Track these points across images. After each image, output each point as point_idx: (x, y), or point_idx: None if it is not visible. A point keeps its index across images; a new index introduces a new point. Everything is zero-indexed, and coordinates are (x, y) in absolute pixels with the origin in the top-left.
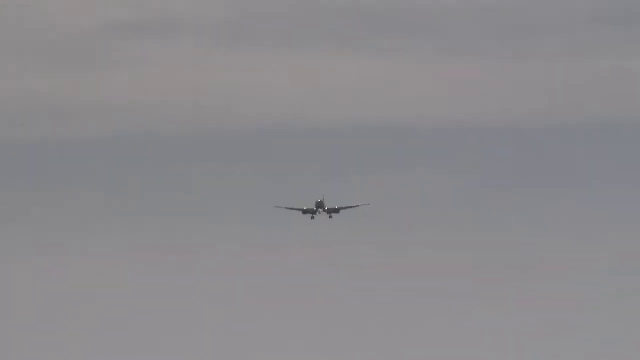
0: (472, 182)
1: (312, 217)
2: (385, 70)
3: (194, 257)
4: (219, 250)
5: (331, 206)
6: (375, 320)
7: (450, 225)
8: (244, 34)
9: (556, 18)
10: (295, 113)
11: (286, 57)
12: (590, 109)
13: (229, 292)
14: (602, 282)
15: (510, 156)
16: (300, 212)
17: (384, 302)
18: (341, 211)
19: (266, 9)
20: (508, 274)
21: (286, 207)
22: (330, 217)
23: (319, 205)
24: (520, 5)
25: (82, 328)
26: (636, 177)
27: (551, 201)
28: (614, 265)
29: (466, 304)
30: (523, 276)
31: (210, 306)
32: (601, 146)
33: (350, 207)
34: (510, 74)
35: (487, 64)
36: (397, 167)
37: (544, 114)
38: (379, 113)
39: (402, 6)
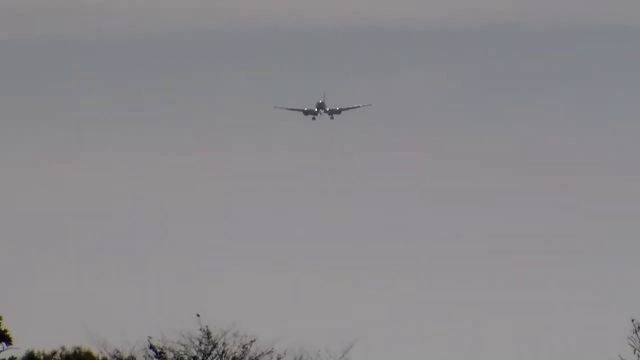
0: (472, 82)
1: (314, 118)
2: None
3: (191, 158)
4: (215, 150)
5: (332, 107)
6: (375, 225)
7: (452, 125)
8: None
9: None
10: (294, 15)
11: None
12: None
13: (224, 195)
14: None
15: (514, 57)
16: (302, 112)
17: (386, 206)
18: (342, 112)
19: None
20: (505, 172)
21: (286, 108)
22: (331, 117)
23: (320, 106)
24: None
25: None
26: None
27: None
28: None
29: (469, 207)
30: (521, 174)
31: (206, 207)
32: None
33: (352, 107)
34: None
35: None
36: (396, 68)
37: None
38: (377, 14)
39: None
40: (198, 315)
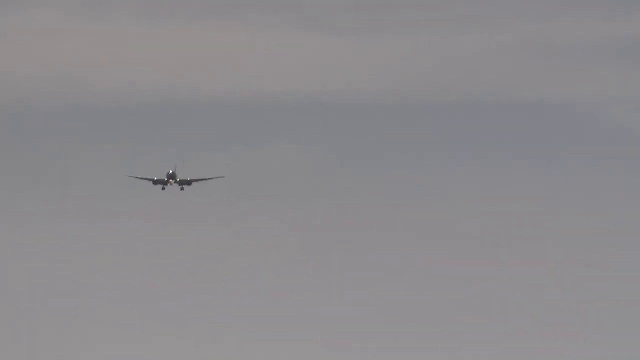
0: (322, 155)
1: (163, 188)
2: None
3: (35, 227)
4: (61, 219)
5: (183, 177)
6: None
7: (304, 197)
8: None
9: None
10: (152, 87)
11: (144, 28)
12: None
13: (70, 264)
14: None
15: (359, 130)
16: (151, 182)
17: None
18: (193, 183)
19: None
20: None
21: (137, 177)
22: (182, 188)
23: (171, 176)
24: None
25: None
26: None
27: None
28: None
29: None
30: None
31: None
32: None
33: (203, 179)
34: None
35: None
36: (248, 142)
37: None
38: (231, 87)
39: None
40: None
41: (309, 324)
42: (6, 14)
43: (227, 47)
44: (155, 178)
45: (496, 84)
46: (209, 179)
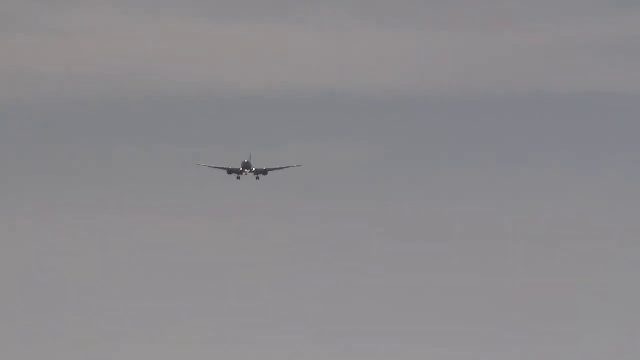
0: (397, 151)
1: (238, 178)
2: (308, 39)
3: (116, 219)
4: (132, 212)
5: (259, 167)
6: (297, 293)
7: (376, 192)
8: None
9: None
10: (221, 80)
11: (206, 26)
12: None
13: (147, 256)
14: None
15: (432, 126)
16: (225, 171)
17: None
18: (269, 172)
19: None
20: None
21: (209, 166)
22: (257, 178)
23: (246, 165)
24: None
25: None
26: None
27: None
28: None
29: (390, 271)
30: (441, 246)
31: (127, 270)
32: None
33: (279, 168)
34: (431, 44)
35: (408, 32)
36: (326, 134)
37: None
38: (307, 80)
39: None
40: None
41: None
42: (67, 11)
43: (295, 42)
44: (230, 167)
45: (541, 80)
46: (285, 167)
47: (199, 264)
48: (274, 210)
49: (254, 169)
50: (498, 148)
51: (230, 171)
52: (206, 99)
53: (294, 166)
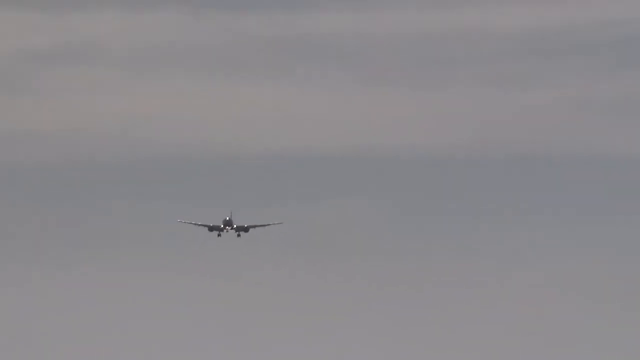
0: (383, 209)
1: (219, 235)
2: (302, 99)
3: (97, 275)
4: (114, 268)
5: (240, 224)
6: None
7: (361, 249)
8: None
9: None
10: (205, 139)
11: (203, 85)
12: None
13: (127, 310)
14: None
15: (422, 185)
16: (207, 228)
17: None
18: (251, 230)
19: (176, 38)
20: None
21: (191, 223)
22: (238, 235)
23: (227, 223)
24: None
25: None
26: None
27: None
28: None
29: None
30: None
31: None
32: (520, 178)
33: (261, 225)
34: (430, 105)
35: (405, 93)
36: (309, 196)
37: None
38: (290, 141)
39: (317, 33)
40: None
41: None
42: (69, 69)
43: (279, 103)
44: (211, 224)
45: (558, 138)
46: (267, 225)
47: (179, 319)
48: (255, 267)
49: (235, 226)
50: (494, 208)
51: (211, 228)
52: (190, 158)
53: (275, 224)
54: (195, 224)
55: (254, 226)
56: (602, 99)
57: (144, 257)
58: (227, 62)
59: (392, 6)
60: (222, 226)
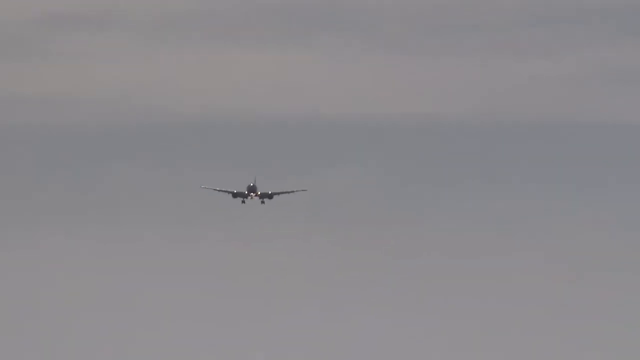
0: (402, 177)
1: (243, 202)
2: (313, 67)
3: (119, 239)
4: (138, 235)
5: (264, 191)
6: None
7: (384, 218)
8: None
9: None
10: (229, 105)
11: (219, 52)
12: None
13: (151, 278)
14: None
15: (437, 154)
16: (230, 195)
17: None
18: (275, 197)
19: (194, 6)
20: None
21: (214, 189)
22: (262, 202)
23: (251, 189)
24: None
25: None
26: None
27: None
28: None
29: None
30: (445, 272)
31: (129, 290)
32: (525, 145)
33: (285, 192)
34: (438, 72)
35: (414, 61)
36: (328, 161)
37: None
38: (310, 107)
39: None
40: None
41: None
42: (73, 38)
43: (297, 69)
44: (235, 191)
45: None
46: (291, 192)
47: (203, 287)
48: (279, 234)
49: (259, 192)
50: (493, 175)
51: (235, 195)
52: (213, 123)
53: (300, 191)
54: (219, 190)
55: (278, 193)
56: (609, 68)
57: (166, 223)
58: (243, 28)
59: None
60: (246, 192)
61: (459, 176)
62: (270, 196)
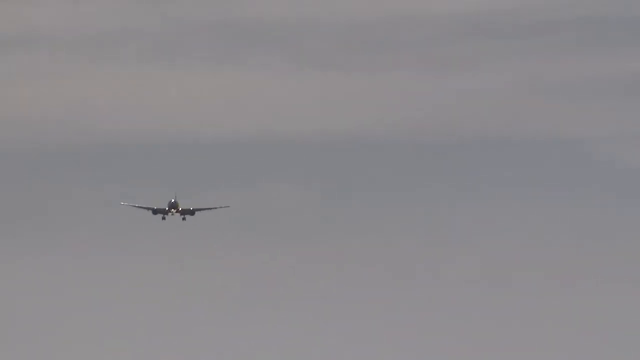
0: (323, 194)
1: (164, 218)
2: (235, 85)
3: (40, 258)
4: (57, 252)
5: (186, 207)
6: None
7: (305, 234)
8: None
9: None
10: (153, 124)
11: (146, 71)
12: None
13: (72, 296)
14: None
15: (361, 170)
16: (150, 211)
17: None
18: (197, 213)
19: (128, 25)
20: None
21: (134, 205)
22: (183, 219)
23: (172, 205)
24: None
25: None
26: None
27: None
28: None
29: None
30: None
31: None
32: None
33: (208, 209)
34: (366, 89)
35: (341, 77)
36: (251, 178)
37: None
38: (233, 126)
39: (256, 19)
40: None
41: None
42: (14, 57)
43: (227, 89)
44: (155, 207)
45: (496, 123)
46: (213, 208)
47: (123, 304)
48: (200, 251)
49: (180, 209)
50: (419, 190)
51: (155, 211)
52: (136, 142)
53: (222, 207)
54: (139, 206)
55: (200, 209)
56: (545, 83)
57: (85, 240)
58: (169, 48)
59: None
60: (166, 209)
61: (383, 191)
62: (192, 212)
